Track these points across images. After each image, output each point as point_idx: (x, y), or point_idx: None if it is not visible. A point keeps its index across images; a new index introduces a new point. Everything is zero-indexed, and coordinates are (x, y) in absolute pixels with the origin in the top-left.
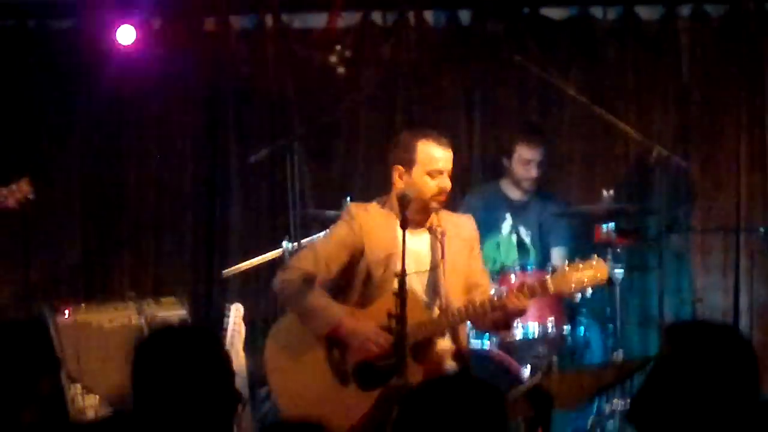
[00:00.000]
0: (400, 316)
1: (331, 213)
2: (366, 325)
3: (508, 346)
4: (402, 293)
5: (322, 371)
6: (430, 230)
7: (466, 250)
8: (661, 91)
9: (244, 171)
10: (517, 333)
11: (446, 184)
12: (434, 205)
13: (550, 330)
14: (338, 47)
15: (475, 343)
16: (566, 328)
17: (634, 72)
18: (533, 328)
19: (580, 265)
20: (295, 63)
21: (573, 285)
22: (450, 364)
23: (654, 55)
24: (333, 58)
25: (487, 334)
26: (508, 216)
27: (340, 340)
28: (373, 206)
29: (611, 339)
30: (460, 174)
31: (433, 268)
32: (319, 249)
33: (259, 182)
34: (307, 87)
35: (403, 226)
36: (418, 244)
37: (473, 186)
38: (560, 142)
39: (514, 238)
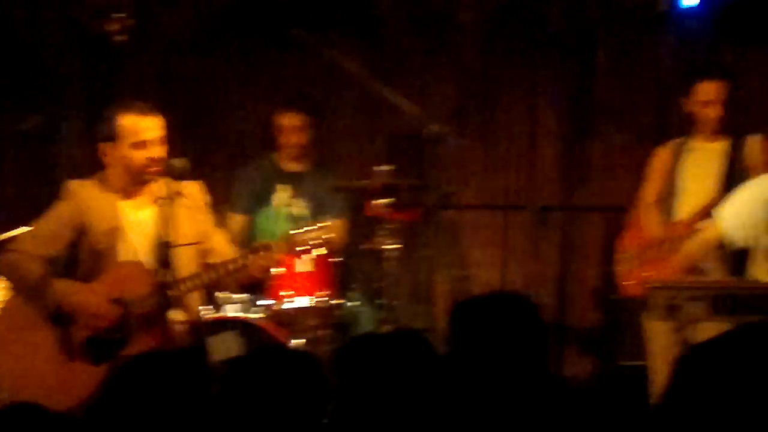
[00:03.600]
0: (162, 286)
1: None
2: (92, 299)
3: (278, 318)
4: (166, 264)
5: (49, 349)
6: (155, 200)
7: (195, 217)
8: (440, 67)
9: (15, 138)
10: (289, 305)
11: (156, 153)
12: (147, 177)
13: (321, 303)
14: (118, 15)
15: (246, 315)
16: (337, 301)
17: (414, 48)
18: (304, 301)
19: (309, 228)
20: (73, 30)
21: (299, 246)
22: (183, 335)
23: (434, 31)
24: (112, 27)
25: (256, 307)
26: (283, 188)
27: (67, 316)
28: (92, 183)
29: (382, 313)
30: (236, 146)
31: (160, 238)
32: (40, 229)
33: (31, 151)
34: (85, 55)
35: (171, 197)
36: (143, 215)
37: (249, 158)
38: (339, 116)
39: (287, 210)
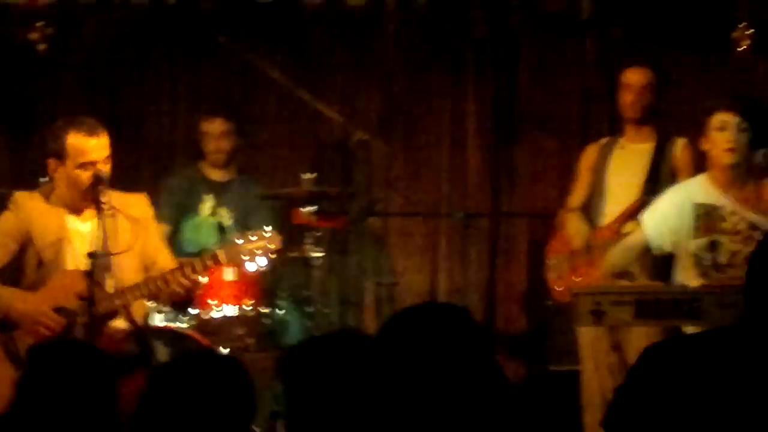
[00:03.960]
0: (89, 297)
1: None
2: (36, 308)
3: (205, 328)
4: (92, 274)
5: None
6: (99, 212)
7: (139, 229)
8: (365, 75)
9: None
10: (215, 314)
11: (102, 173)
12: (93, 196)
13: (248, 311)
14: (40, 24)
15: (173, 325)
16: (265, 310)
17: (339, 56)
18: (231, 310)
19: (252, 237)
20: None
21: (244, 256)
22: (126, 344)
23: (359, 40)
24: (34, 35)
25: (186, 317)
26: (208, 197)
27: (11, 324)
28: (39, 194)
29: (310, 321)
30: (163, 155)
31: (104, 249)
32: None
33: None
34: (6, 64)
35: (99, 208)
36: (89, 227)
37: (174, 167)
38: (264, 124)
39: (214, 219)
